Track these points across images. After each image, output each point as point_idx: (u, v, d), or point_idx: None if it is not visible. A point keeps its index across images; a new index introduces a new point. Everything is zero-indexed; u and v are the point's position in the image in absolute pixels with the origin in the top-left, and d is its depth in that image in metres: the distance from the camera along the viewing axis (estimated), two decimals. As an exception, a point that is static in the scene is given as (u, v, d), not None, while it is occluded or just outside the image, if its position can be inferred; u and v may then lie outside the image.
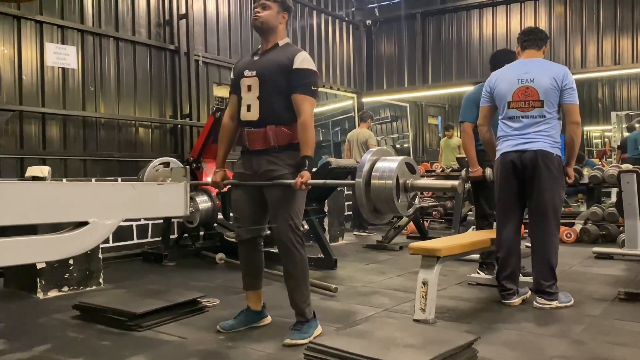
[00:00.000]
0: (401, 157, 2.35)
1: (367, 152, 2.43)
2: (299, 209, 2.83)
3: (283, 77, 2.74)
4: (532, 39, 3.55)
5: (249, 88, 2.82)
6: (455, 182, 2.26)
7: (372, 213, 2.38)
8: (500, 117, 3.57)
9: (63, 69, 5.34)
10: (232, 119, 2.96)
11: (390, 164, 2.28)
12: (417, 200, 2.42)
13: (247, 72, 2.84)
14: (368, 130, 7.72)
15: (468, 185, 5.53)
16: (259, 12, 2.79)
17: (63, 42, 5.33)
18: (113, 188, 1.24)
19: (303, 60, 2.74)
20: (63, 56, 5.33)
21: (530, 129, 3.40)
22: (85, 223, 1.17)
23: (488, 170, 3.93)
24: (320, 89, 9.08)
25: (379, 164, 2.31)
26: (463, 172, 4.28)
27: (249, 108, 2.82)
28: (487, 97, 3.63)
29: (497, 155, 3.56)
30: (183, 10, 6.44)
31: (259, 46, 2.92)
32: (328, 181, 2.71)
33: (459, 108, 4.32)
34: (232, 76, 2.99)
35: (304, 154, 2.72)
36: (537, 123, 3.38)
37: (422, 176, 8.93)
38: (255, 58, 2.86)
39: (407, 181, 2.27)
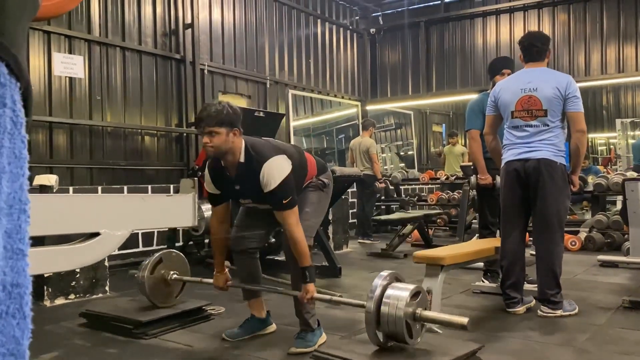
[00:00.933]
0: (412, 286, 2.37)
1: (378, 276, 2.42)
2: (317, 221, 2.95)
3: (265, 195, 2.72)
4: (534, 52, 3.55)
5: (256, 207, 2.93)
6: (465, 320, 2.28)
7: (379, 338, 2.39)
8: (505, 126, 3.59)
9: (70, 78, 5.40)
10: (221, 224, 2.96)
11: (401, 292, 2.31)
12: (424, 330, 2.45)
13: (242, 201, 2.91)
14: (370, 138, 7.74)
15: (473, 192, 5.54)
16: (208, 143, 2.65)
17: (70, 52, 5.39)
18: (123, 200, 1.26)
19: (268, 181, 2.64)
20: (70, 66, 5.38)
21: (533, 137, 3.41)
22: (97, 234, 1.19)
23: (498, 178, 3.96)
24: (324, 97, 9.17)
25: (389, 292, 2.34)
26: (472, 179, 4.30)
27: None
28: (492, 106, 3.66)
29: (502, 164, 3.58)
30: (189, 20, 6.50)
31: (220, 163, 2.79)
32: (335, 298, 2.73)
33: (464, 116, 4.35)
34: (213, 191, 2.89)
35: (302, 265, 2.69)
36: (541, 132, 3.40)
37: (426, 184, 8.96)
38: (237, 187, 2.79)
39: (417, 312, 2.30)
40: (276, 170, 2.65)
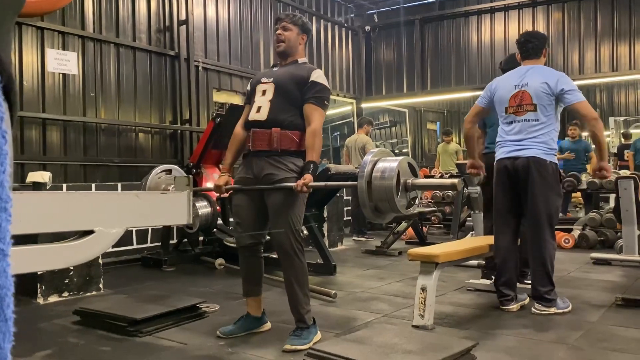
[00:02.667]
0: (401, 157, 2.38)
1: (369, 153, 2.46)
2: (299, 215, 2.85)
3: (298, 89, 2.84)
4: (530, 48, 3.57)
5: (264, 92, 2.91)
6: (456, 180, 2.29)
7: (373, 212, 2.41)
8: (500, 122, 3.60)
9: (64, 74, 5.37)
10: (244, 128, 3.00)
11: (391, 163, 2.32)
12: (417, 200, 2.45)
13: (264, 79, 2.95)
14: (366, 136, 7.75)
15: (467, 190, 5.56)
16: (280, 35, 2.91)
17: (64, 48, 5.36)
18: (118, 197, 1.26)
19: (320, 76, 2.87)
20: (64, 62, 5.35)
21: (524, 134, 3.43)
22: (91, 232, 1.19)
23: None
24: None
25: (379, 164, 2.34)
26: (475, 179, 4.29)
27: (259, 109, 2.88)
28: (485, 98, 3.67)
29: (495, 162, 3.60)
30: (183, 16, 6.48)
31: (278, 61, 3.02)
32: (329, 183, 2.75)
33: (458, 114, 4.37)
34: (248, 87, 3.07)
35: (310, 159, 2.76)
36: (531, 128, 3.41)
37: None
38: (275, 69, 2.98)
39: (408, 180, 2.30)
40: (326, 80, 2.92)
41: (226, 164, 3.07)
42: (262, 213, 2.90)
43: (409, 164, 2.37)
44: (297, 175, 2.79)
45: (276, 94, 2.86)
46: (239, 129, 3.03)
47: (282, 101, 2.83)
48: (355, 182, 2.41)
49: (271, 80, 2.90)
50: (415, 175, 2.38)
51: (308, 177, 2.69)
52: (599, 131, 3.40)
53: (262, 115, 2.84)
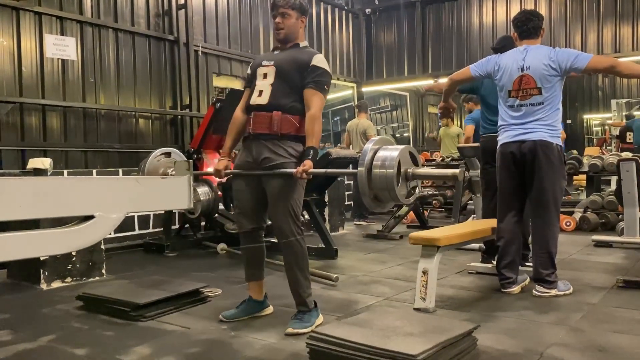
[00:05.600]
0: (402, 146, 2.36)
1: (369, 141, 2.43)
2: (299, 199, 2.85)
3: (299, 73, 2.81)
4: (530, 28, 3.53)
5: (265, 76, 2.88)
6: (456, 171, 2.27)
7: (373, 201, 2.40)
8: (500, 104, 3.57)
9: (62, 60, 5.34)
10: (244, 112, 2.98)
11: (392, 152, 2.29)
12: (417, 189, 2.43)
13: (265, 62, 2.91)
14: (367, 120, 7.72)
15: (468, 174, 5.55)
16: (280, 23, 2.86)
17: (62, 34, 5.32)
18: (118, 182, 1.25)
19: (321, 61, 2.84)
20: (62, 47, 5.32)
21: (529, 117, 3.40)
22: (91, 217, 1.19)
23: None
24: (319, 79, 9.10)
25: (380, 153, 2.32)
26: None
27: (260, 93, 2.86)
28: (481, 72, 3.63)
29: (498, 145, 3.58)
30: (182, 1, 6.42)
31: (279, 45, 2.98)
32: (329, 170, 2.73)
33: (459, 97, 4.36)
34: (249, 71, 3.04)
35: (309, 145, 2.74)
36: (536, 111, 3.39)
37: (422, 165, 8.94)
38: (276, 52, 2.94)
39: (409, 170, 2.28)
40: (327, 65, 2.87)
41: (226, 148, 3.05)
42: (262, 198, 2.90)
43: (410, 153, 2.34)
44: (297, 160, 2.79)
45: (277, 77, 2.83)
46: (238, 112, 3.01)
47: (284, 85, 2.81)
48: (355, 171, 2.39)
49: (272, 63, 2.87)
50: (416, 164, 2.36)
51: (308, 164, 2.67)
52: (626, 70, 3.35)
53: (263, 100, 2.83)
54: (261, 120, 2.81)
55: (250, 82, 2.98)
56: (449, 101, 3.99)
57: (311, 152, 2.71)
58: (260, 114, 2.82)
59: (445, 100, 3.96)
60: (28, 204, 1.07)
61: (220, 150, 3.11)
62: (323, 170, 2.80)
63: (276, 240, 2.98)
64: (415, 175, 2.30)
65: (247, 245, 3.03)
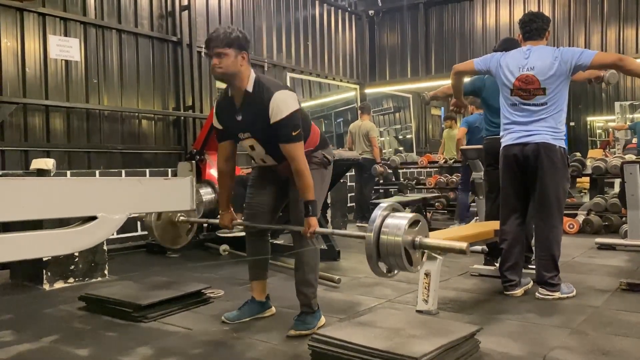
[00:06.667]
0: (411, 214, 2.35)
1: (378, 207, 2.41)
2: (320, 201, 2.91)
3: (273, 129, 2.67)
4: (534, 29, 3.51)
5: (253, 147, 2.84)
6: (464, 245, 2.25)
7: (380, 268, 2.38)
8: (503, 102, 3.55)
9: (66, 61, 5.35)
10: (227, 161, 2.95)
11: (401, 220, 2.29)
12: (424, 258, 2.42)
13: (241, 135, 2.82)
14: (370, 122, 7.72)
15: (472, 177, 5.54)
16: (216, 64, 2.64)
17: (66, 35, 5.34)
18: (121, 183, 1.25)
19: (276, 111, 2.62)
20: (66, 48, 5.33)
21: (532, 117, 3.39)
22: (94, 218, 1.19)
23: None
24: (322, 80, 9.11)
25: (389, 220, 2.32)
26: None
27: (263, 160, 2.88)
28: (484, 66, 3.60)
29: (501, 147, 3.57)
30: (185, 2, 6.43)
31: (228, 93, 2.80)
32: (336, 231, 2.72)
33: (466, 98, 4.36)
34: (218, 126, 2.89)
35: (307, 199, 2.67)
36: (539, 112, 3.37)
37: (425, 167, 8.95)
38: (239, 118, 2.76)
39: (416, 239, 2.29)
40: (286, 102, 2.62)
41: (224, 203, 3.00)
42: (280, 200, 2.92)
43: (419, 222, 2.34)
44: (317, 165, 2.85)
45: (264, 143, 2.77)
46: (222, 165, 2.95)
47: (275, 146, 2.72)
48: (363, 234, 2.38)
49: (249, 135, 2.78)
50: (424, 232, 2.36)
51: (313, 223, 2.67)
52: (631, 65, 3.27)
53: (271, 162, 2.85)
54: (282, 169, 2.85)
55: (223, 137, 2.90)
56: (461, 98, 3.96)
57: (310, 207, 2.67)
58: (277, 166, 2.85)
59: (457, 96, 3.92)
60: (31, 205, 1.07)
61: (219, 207, 3.06)
62: (330, 231, 2.77)
63: (279, 242, 2.99)
64: (423, 245, 2.30)
65: (253, 244, 3.04)
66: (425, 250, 2.39)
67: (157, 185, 1.55)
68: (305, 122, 2.81)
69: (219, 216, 3.07)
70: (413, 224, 2.29)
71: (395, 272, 2.39)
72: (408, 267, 2.27)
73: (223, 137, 2.92)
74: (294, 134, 2.63)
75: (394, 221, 2.30)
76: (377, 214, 2.35)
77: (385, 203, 2.42)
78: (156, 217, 3.26)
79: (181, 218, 3.34)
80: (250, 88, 2.70)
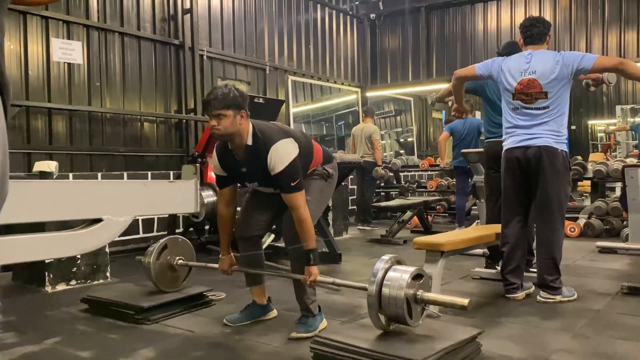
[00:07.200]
0: (413, 268, 2.37)
1: (380, 260, 2.42)
2: (319, 211, 2.95)
3: (274, 179, 2.73)
4: (535, 34, 3.53)
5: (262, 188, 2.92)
6: (465, 302, 2.26)
7: (381, 320, 2.39)
8: (504, 107, 3.56)
9: (69, 64, 5.37)
10: (228, 206, 2.97)
11: (403, 274, 2.31)
12: (425, 312, 2.43)
13: (249, 184, 2.91)
14: (373, 125, 7.74)
15: (473, 180, 5.54)
16: (215, 126, 2.68)
17: (69, 38, 5.36)
18: (126, 186, 1.26)
19: (275, 164, 2.67)
20: (69, 51, 5.35)
21: (534, 121, 3.40)
22: (99, 220, 1.19)
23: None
24: (324, 83, 9.12)
25: (390, 273, 2.34)
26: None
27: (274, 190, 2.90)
28: (486, 71, 3.60)
29: (503, 151, 3.58)
30: (187, 5, 6.45)
31: (228, 145, 2.81)
32: (337, 280, 2.74)
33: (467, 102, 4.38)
34: (220, 173, 2.92)
35: (308, 248, 2.70)
36: (541, 116, 3.38)
37: (426, 170, 8.96)
38: (244, 170, 2.81)
39: (418, 293, 2.31)
40: (283, 154, 2.67)
41: (224, 247, 3.03)
42: (277, 208, 2.93)
43: (421, 276, 2.36)
44: (317, 177, 2.93)
45: (273, 186, 2.82)
46: (223, 210, 2.97)
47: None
48: (366, 286, 2.40)
49: (256, 183, 2.87)
50: (426, 286, 2.38)
51: (314, 272, 2.70)
52: (632, 69, 3.27)
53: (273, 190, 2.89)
54: None
55: (225, 184, 2.94)
56: (462, 104, 3.96)
57: (311, 256, 2.70)
58: None
59: (458, 101, 3.92)
60: (38, 207, 1.08)
61: (220, 251, 3.07)
62: (331, 280, 2.77)
63: (280, 244, 3.00)
64: (424, 299, 2.32)
65: (246, 252, 3.05)
66: (426, 308, 2.42)
67: (162, 188, 1.56)
68: (306, 148, 2.85)
69: (219, 259, 3.10)
70: (415, 277, 2.31)
71: (395, 325, 2.40)
72: (409, 322, 2.29)
73: (225, 184, 2.94)
74: (292, 184, 2.67)
75: (396, 275, 2.32)
76: (380, 266, 2.37)
77: (387, 256, 2.44)
78: (155, 258, 3.29)
79: (179, 262, 3.37)
80: (250, 142, 2.74)
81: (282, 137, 2.72)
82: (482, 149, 4.49)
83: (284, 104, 7.60)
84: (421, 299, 2.30)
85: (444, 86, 9.86)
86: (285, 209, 2.83)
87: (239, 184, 2.99)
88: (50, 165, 4.13)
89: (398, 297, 2.26)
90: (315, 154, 2.95)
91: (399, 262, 2.43)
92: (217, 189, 3.00)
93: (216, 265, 3.14)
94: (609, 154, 10.48)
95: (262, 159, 2.68)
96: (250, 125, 2.75)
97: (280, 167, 2.65)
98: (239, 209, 3.08)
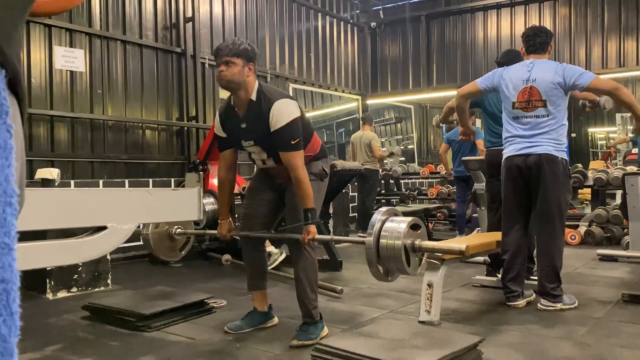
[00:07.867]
0: (410, 218, 2.38)
1: (377, 211, 2.43)
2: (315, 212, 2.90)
3: (274, 136, 2.73)
4: (537, 43, 3.55)
5: (256, 152, 2.89)
6: (463, 246, 2.28)
7: (380, 271, 2.41)
8: (505, 117, 3.59)
9: (71, 72, 5.40)
10: (228, 170, 3.00)
11: (400, 224, 2.32)
12: (424, 260, 2.45)
13: (244, 143, 2.87)
14: (371, 132, 7.76)
15: (473, 188, 5.55)
16: (223, 71, 2.71)
17: (71, 45, 5.39)
18: (130, 194, 1.28)
19: (276, 120, 2.67)
20: (71, 59, 5.38)
21: (534, 130, 3.42)
22: (104, 228, 1.21)
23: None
24: (324, 91, 9.16)
25: (388, 224, 2.35)
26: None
27: (264, 162, 2.90)
28: (488, 84, 3.62)
29: (503, 159, 3.59)
30: (189, 13, 6.49)
31: (231, 102, 2.85)
32: (335, 237, 2.77)
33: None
34: (220, 134, 2.95)
35: (306, 207, 2.71)
36: (541, 124, 3.40)
37: (426, 178, 8.97)
38: (243, 125, 2.81)
39: (416, 242, 2.31)
40: (286, 111, 2.68)
41: (223, 212, 3.04)
42: (276, 210, 2.94)
43: (418, 225, 2.37)
44: (315, 176, 2.87)
45: (268, 150, 2.82)
46: (223, 174, 3.00)
47: (277, 151, 2.77)
48: (364, 239, 2.40)
49: (252, 143, 2.83)
50: (424, 236, 2.39)
51: (312, 230, 2.72)
52: (625, 97, 3.30)
53: (272, 163, 2.87)
54: (279, 172, 2.87)
55: (225, 146, 2.95)
56: (468, 125, 3.90)
57: (309, 215, 2.71)
58: (275, 167, 2.86)
59: (464, 123, 3.87)
60: (43, 214, 1.09)
61: (219, 216, 3.07)
62: (329, 237, 2.80)
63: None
64: (422, 248, 2.32)
65: (249, 255, 3.06)
66: (424, 256, 2.42)
67: (166, 196, 1.57)
68: (307, 129, 2.86)
69: (218, 224, 3.10)
70: (412, 227, 2.32)
71: (395, 275, 2.41)
72: (407, 270, 2.29)
73: (226, 146, 2.96)
74: (292, 142, 2.69)
75: (393, 225, 2.33)
76: (377, 218, 2.38)
77: (384, 208, 2.45)
78: (154, 227, 3.29)
79: (178, 230, 3.38)
80: (254, 97, 2.76)
81: (286, 97, 2.77)
82: (482, 157, 4.51)
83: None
84: (419, 247, 2.31)
85: (443, 94, 9.92)
86: (283, 207, 2.85)
87: (236, 146, 2.95)
88: (52, 173, 4.14)
89: (396, 247, 2.26)
90: (314, 140, 2.95)
91: (395, 214, 2.44)
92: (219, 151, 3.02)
93: (215, 232, 3.14)
94: (609, 161, 10.49)
95: (264, 115, 2.68)
96: (257, 83, 2.79)
97: (282, 123, 2.65)
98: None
